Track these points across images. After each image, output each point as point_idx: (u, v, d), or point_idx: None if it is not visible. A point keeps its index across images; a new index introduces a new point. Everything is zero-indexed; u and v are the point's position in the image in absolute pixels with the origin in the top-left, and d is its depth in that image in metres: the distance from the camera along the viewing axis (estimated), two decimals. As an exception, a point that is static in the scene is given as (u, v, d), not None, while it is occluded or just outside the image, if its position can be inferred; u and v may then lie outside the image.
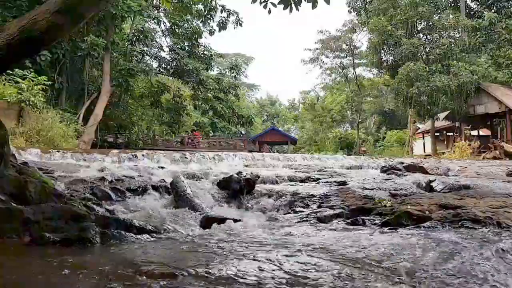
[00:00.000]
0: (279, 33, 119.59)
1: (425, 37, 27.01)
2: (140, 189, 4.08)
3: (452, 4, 29.10)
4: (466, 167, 8.23)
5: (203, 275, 1.62)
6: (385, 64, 28.71)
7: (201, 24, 24.99)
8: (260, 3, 5.36)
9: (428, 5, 25.73)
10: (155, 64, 28.52)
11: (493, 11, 26.55)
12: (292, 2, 5.01)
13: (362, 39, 43.71)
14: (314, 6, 4.92)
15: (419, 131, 32.15)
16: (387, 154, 30.44)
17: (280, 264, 1.81)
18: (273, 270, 1.72)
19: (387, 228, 2.80)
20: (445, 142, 29.45)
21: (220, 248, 2.17)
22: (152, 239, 2.41)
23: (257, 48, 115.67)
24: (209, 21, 22.63)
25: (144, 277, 1.58)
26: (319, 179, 5.45)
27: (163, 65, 28.08)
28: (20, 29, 2.61)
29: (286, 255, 1.97)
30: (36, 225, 2.31)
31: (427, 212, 3.07)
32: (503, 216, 2.78)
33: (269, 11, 5.39)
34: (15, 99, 12.69)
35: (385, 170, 6.88)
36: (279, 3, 5.13)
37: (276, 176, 5.40)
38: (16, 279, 1.60)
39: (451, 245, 2.13)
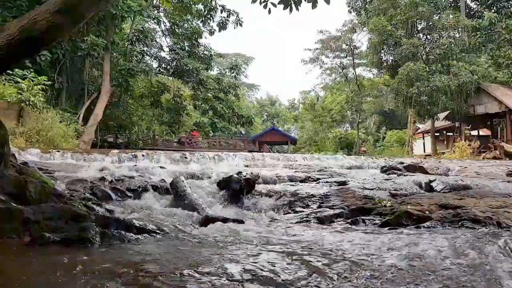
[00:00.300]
0: (279, 33, 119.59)
1: (425, 37, 27.01)
2: (140, 189, 4.08)
3: (452, 4, 29.10)
4: (466, 167, 8.23)
5: (203, 275, 1.62)
6: (385, 64, 28.71)
7: (201, 24, 25.00)
8: (260, 3, 5.36)
9: (428, 5, 25.73)
10: (155, 64, 28.54)
11: (493, 11, 26.55)
12: (292, 2, 5.01)
13: (362, 39, 43.72)
14: (314, 6, 4.92)
15: (419, 131, 32.14)
16: (387, 154, 30.44)
17: (280, 264, 1.81)
18: (274, 270, 1.72)
19: (387, 228, 2.80)
20: (445, 142, 29.44)
21: (220, 248, 2.17)
22: (152, 239, 2.41)
23: (257, 48, 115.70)
24: (209, 21, 22.63)
25: (144, 277, 1.58)
26: (319, 179, 5.45)
27: (163, 65, 28.09)
28: (20, 29, 2.61)
29: (286, 255, 1.97)
30: (36, 225, 2.31)
31: (427, 212, 3.07)
32: (503, 216, 2.78)
33: (269, 11, 5.39)
34: (15, 99, 12.69)
35: (385, 170, 6.88)
36: (279, 3, 5.13)
37: (276, 176, 5.40)
38: (16, 279, 1.60)
39: (451, 245, 2.12)
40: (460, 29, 25.19)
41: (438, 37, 25.99)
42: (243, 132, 45.90)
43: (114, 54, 22.88)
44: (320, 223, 3.16)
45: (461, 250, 2.02)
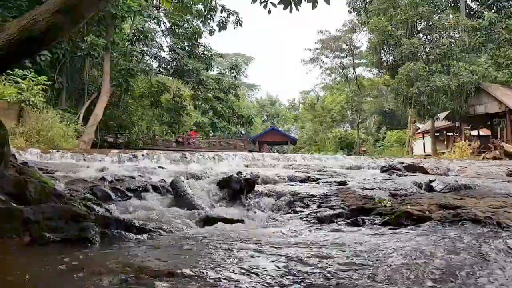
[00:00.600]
0: (279, 33, 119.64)
1: (425, 37, 27.02)
2: (140, 189, 4.08)
3: (452, 4, 29.11)
4: (466, 167, 8.23)
5: (203, 275, 1.62)
6: (385, 64, 28.72)
7: (201, 24, 25.02)
8: (260, 3, 5.36)
9: (428, 5, 25.73)
10: (155, 64, 28.56)
11: (493, 11, 26.55)
12: (292, 2, 5.01)
13: (362, 39, 43.79)
14: (314, 6, 4.92)
15: (419, 131, 32.15)
16: (387, 154, 30.44)
17: (279, 264, 1.81)
18: (273, 271, 1.72)
19: (387, 228, 2.80)
20: (445, 142, 29.45)
21: (220, 248, 2.17)
22: (152, 239, 2.41)
23: (257, 48, 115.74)
24: (209, 21, 22.64)
25: (144, 277, 1.58)
26: (319, 179, 5.45)
27: (163, 65, 28.10)
28: (20, 29, 2.61)
29: (286, 255, 1.97)
30: (36, 225, 2.31)
31: (427, 212, 3.07)
32: (503, 216, 2.78)
33: (269, 11, 5.39)
34: (15, 99, 12.69)
35: (385, 170, 6.88)
36: (279, 3, 5.13)
37: (276, 176, 5.40)
38: (16, 279, 1.60)
39: (450, 245, 2.13)
40: (460, 29, 25.19)
41: (438, 37, 26.00)
42: (243, 132, 45.90)
43: (114, 54, 22.89)
44: (320, 223, 3.16)
45: (460, 250, 2.02)
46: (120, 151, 8.94)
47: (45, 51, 15.89)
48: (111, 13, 18.82)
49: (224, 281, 1.57)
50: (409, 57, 24.60)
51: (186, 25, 26.65)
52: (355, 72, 42.03)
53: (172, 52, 27.10)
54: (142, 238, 2.40)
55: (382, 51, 27.72)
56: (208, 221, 2.95)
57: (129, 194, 3.92)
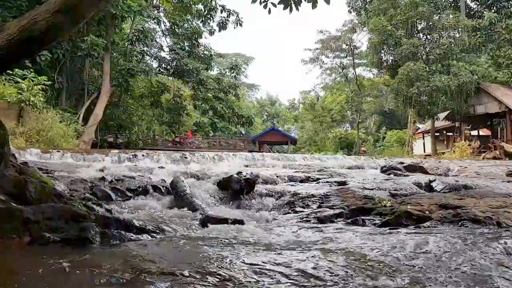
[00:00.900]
0: (279, 33, 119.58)
1: (425, 37, 27.01)
2: (140, 189, 4.08)
3: (452, 4, 29.10)
4: (466, 167, 8.22)
5: (203, 276, 1.62)
6: (385, 64, 28.71)
7: (201, 24, 24.99)
8: (260, 3, 5.36)
9: (428, 5, 25.72)
10: (155, 64, 28.54)
11: (493, 11, 26.55)
12: (292, 2, 5.01)
13: (362, 39, 43.79)
14: (314, 6, 4.92)
15: (419, 131, 32.14)
16: (387, 154, 30.44)
17: (279, 264, 1.81)
18: (273, 271, 1.72)
19: (387, 228, 2.80)
20: (445, 142, 29.44)
21: (220, 248, 2.17)
22: (152, 239, 2.41)
23: (257, 48, 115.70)
24: (209, 21, 22.61)
25: (144, 277, 1.58)
26: (319, 179, 5.45)
27: (163, 65, 28.09)
28: (20, 29, 2.61)
29: (286, 255, 1.97)
30: (36, 225, 2.31)
31: (427, 212, 3.07)
32: (503, 216, 2.78)
33: (269, 11, 5.39)
34: (15, 99, 12.69)
35: (385, 170, 6.88)
36: (279, 3, 5.13)
37: (276, 176, 5.40)
38: (16, 279, 1.60)
39: (450, 245, 2.13)
40: (460, 29, 25.18)
41: (438, 37, 25.99)
42: (243, 132, 45.89)
43: (114, 54, 22.88)
44: (320, 223, 3.16)
45: (460, 250, 2.02)
46: (120, 151, 8.95)
47: (45, 51, 15.88)
48: (111, 13, 18.81)
49: (224, 281, 1.57)
50: (409, 57, 24.60)
51: (186, 25, 26.63)
52: (355, 72, 42.03)
53: (172, 52, 27.09)
54: (142, 238, 2.40)
55: (382, 51, 27.71)
56: (208, 221, 2.95)
57: (129, 194, 3.92)
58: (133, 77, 23.68)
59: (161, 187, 4.19)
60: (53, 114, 14.21)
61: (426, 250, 2.04)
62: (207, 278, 1.59)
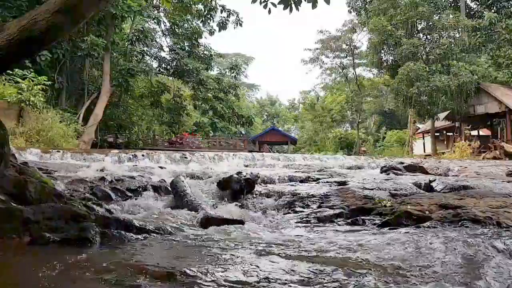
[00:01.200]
0: (279, 33, 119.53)
1: (425, 37, 27.01)
2: (140, 189, 4.08)
3: (452, 4, 29.10)
4: (466, 167, 8.22)
5: (203, 276, 1.62)
6: (385, 64, 28.71)
7: (201, 24, 25.01)
8: (260, 3, 5.36)
9: (428, 5, 25.72)
10: (155, 64, 28.55)
11: (493, 11, 26.54)
12: (292, 2, 5.01)
13: (362, 39, 43.74)
14: (314, 6, 4.92)
15: (419, 131, 32.15)
16: (387, 154, 30.45)
17: (279, 264, 1.81)
18: (273, 271, 1.72)
19: (387, 228, 2.80)
20: (445, 142, 29.44)
21: (220, 248, 2.17)
22: (152, 239, 2.41)
23: (257, 48, 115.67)
24: (209, 21, 22.62)
25: (144, 277, 1.58)
26: (319, 179, 5.45)
27: (163, 65, 28.10)
28: (20, 29, 2.61)
29: (285, 256, 1.97)
30: (36, 225, 2.31)
31: (427, 212, 3.07)
32: (503, 216, 2.78)
33: (269, 11, 5.39)
34: (15, 99, 12.70)
35: (385, 170, 6.88)
36: (279, 3, 5.13)
37: (276, 176, 5.40)
38: (16, 279, 1.60)
39: (450, 245, 2.12)
40: (460, 29, 25.18)
41: (438, 37, 25.99)
42: (243, 132, 45.88)
43: (114, 54, 22.88)
44: (320, 223, 3.16)
45: (460, 249, 2.02)
46: (120, 151, 8.95)
47: (45, 51, 15.88)
48: (111, 13, 18.81)
49: (224, 281, 1.57)
50: (409, 57, 24.60)
51: (186, 25, 26.64)
52: (355, 72, 42.03)
53: (172, 52, 27.10)
54: (142, 238, 2.40)
55: (382, 51, 27.71)
56: (208, 221, 2.95)
57: (129, 194, 3.92)
58: (133, 77, 23.69)
59: (161, 187, 4.19)
60: (53, 114, 14.21)
61: (426, 250, 2.04)
62: (207, 278, 1.59)
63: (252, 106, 56.87)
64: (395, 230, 2.68)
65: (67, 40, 17.68)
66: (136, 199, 3.86)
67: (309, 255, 2.00)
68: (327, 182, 5.17)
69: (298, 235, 2.64)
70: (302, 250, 2.10)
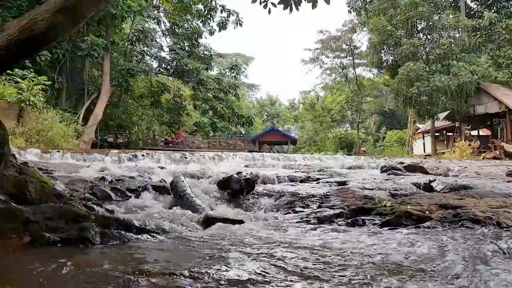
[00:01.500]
0: (279, 33, 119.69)
1: (425, 37, 27.01)
2: (140, 189, 4.08)
3: (452, 4, 29.09)
4: (466, 167, 8.22)
5: (203, 276, 1.62)
6: (385, 64, 28.71)
7: (201, 24, 25.02)
8: (260, 3, 5.37)
9: (428, 5, 25.73)
10: (155, 64, 28.56)
11: (493, 11, 26.54)
12: (292, 2, 5.01)
13: (362, 39, 43.81)
14: (314, 6, 4.93)
15: (419, 131, 32.15)
16: (387, 154, 30.45)
17: (279, 264, 1.81)
18: (273, 271, 1.72)
19: (387, 228, 2.80)
20: (445, 142, 29.44)
21: (220, 248, 2.17)
22: (152, 239, 2.41)
23: (257, 48, 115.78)
24: (209, 21, 22.63)
25: (144, 277, 1.58)
26: (319, 179, 5.45)
27: (163, 65, 28.11)
28: (20, 29, 2.61)
29: (285, 256, 1.97)
30: (36, 225, 2.31)
31: (427, 212, 3.07)
32: (503, 216, 2.78)
33: (269, 11, 5.40)
34: (15, 99, 12.70)
35: (385, 170, 6.88)
36: (279, 3, 5.13)
37: (276, 176, 5.40)
38: (16, 279, 1.60)
39: (450, 245, 2.13)
40: (460, 29, 25.18)
41: (438, 37, 25.99)
42: (243, 132, 45.87)
43: (114, 54, 22.89)
44: (320, 223, 3.16)
45: (460, 250, 2.02)
46: (120, 151, 8.95)
47: (45, 51, 15.88)
48: (111, 13, 18.81)
49: (225, 282, 1.57)
50: (409, 57, 24.60)
51: (186, 25, 26.65)
52: (355, 72, 42.04)
53: (172, 52, 27.11)
54: (142, 238, 2.39)
55: (382, 51, 27.71)
56: (208, 221, 2.95)
57: (129, 194, 3.92)
58: (133, 77, 23.69)
59: (161, 187, 4.19)
60: (53, 114, 14.21)
61: (426, 250, 2.04)
62: (207, 279, 1.59)
63: (252, 106, 56.87)
64: (395, 230, 2.68)
65: (67, 40, 17.68)
66: (136, 199, 3.86)
67: (309, 254, 2.00)
68: (327, 182, 5.17)
69: (298, 235, 2.64)
70: (302, 250, 2.10)
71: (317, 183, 5.19)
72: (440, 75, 23.48)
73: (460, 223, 2.77)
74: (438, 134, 29.75)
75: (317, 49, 41.77)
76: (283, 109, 63.60)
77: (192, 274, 1.62)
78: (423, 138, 30.85)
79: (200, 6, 21.45)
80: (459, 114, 24.34)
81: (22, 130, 12.49)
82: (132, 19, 22.19)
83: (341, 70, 43.60)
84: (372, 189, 4.31)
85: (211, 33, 24.99)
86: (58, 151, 7.86)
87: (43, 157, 7.22)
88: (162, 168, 6.15)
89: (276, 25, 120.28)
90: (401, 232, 2.59)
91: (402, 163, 8.11)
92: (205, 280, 1.57)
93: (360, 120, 43.62)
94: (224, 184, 4.24)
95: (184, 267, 1.70)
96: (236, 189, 4.07)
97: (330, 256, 1.97)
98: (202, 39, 27.54)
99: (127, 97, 25.47)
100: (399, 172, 6.55)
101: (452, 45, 24.72)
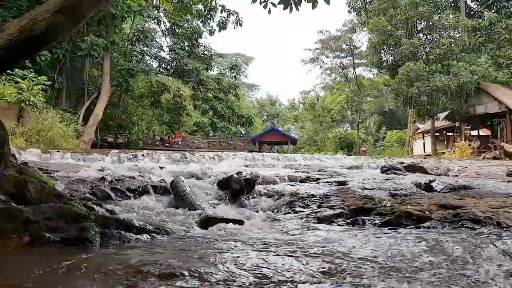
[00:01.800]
0: (279, 33, 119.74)
1: (425, 37, 27.02)
2: (140, 189, 4.08)
3: (452, 4, 29.10)
4: (466, 167, 8.23)
5: (203, 276, 1.62)
6: (385, 64, 28.72)
7: (201, 24, 25.02)
8: (260, 3, 5.37)
9: (428, 5, 25.73)
10: (155, 64, 28.56)
11: (493, 11, 26.54)
12: (292, 2, 5.01)
13: (362, 39, 43.83)
14: (314, 6, 4.93)
15: (419, 131, 32.15)
16: (387, 154, 30.45)
17: (279, 264, 1.81)
18: (273, 270, 1.72)
19: (387, 228, 2.80)
20: (445, 142, 29.45)
21: (220, 248, 2.17)
22: (152, 239, 2.41)
23: (257, 48, 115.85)
24: (209, 21, 22.63)
25: (144, 277, 1.58)
26: (319, 179, 5.45)
27: (163, 65, 28.10)
28: (20, 29, 2.61)
29: (285, 255, 1.97)
30: (36, 225, 2.31)
31: (427, 212, 3.07)
32: (503, 216, 2.78)
33: (269, 11, 5.40)
34: (15, 99, 12.70)
35: (385, 170, 6.88)
36: (279, 3, 5.14)
37: (276, 176, 5.40)
38: (15, 279, 1.59)
39: (450, 245, 2.13)
40: (460, 29, 25.19)
41: (438, 37, 26.00)
42: (243, 132, 45.88)
43: (114, 54, 22.88)
44: (320, 223, 3.16)
45: (459, 250, 2.02)
46: (120, 151, 8.95)
47: (45, 51, 15.87)
48: (111, 13, 18.80)
49: (224, 281, 1.57)
50: (409, 57, 24.60)
51: (186, 25, 26.65)
52: (355, 72, 42.05)
53: (172, 52, 27.10)
54: (142, 238, 2.39)
55: (382, 51, 27.72)
56: (208, 221, 2.95)
57: (129, 194, 3.92)
58: (133, 77, 23.69)
59: (161, 187, 4.18)
60: (53, 114, 14.21)
61: (426, 250, 2.04)
62: (207, 279, 1.59)
63: (252, 106, 56.88)
64: (395, 230, 2.68)
65: (67, 40, 17.68)
66: (136, 199, 3.86)
67: (309, 254, 2.00)
68: (327, 182, 5.17)
69: (298, 235, 2.64)
70: (302, 250, 2.10)
71: (317, 183, 5.19)
72: (440, 75, 23.49)
73: (460, 223, 2.77)
74: (438, 134, 29.75)
75: (317, 49, 41.79)
76: (283, 109, 63.62)
77: (192, 274, 1.62)
78: (423, 138, 30.86)
79: (200, 6, 21.44)
80: (459, 114, 24.35)
81: (22, 130, 12.49)
82: (132, 19, 22.18)
83: (341, 70, 43.61)
84: (372, 189, 4.31)
85: (211, 33, 24.99)
86: (58, 151, 7.86)
87: (43, 157, 7.22)
88: (162, 168, 6.15)
89: (276, 25, 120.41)
90: (401, 232, 2.59)
91: (402, 163, 8.12)
92: (205, 280, 1.57)
93: (360, 120, 43.63)
94: (224, 184, 4.24)
95: (184, 267, 1.70)
96: (236, 189, 4.06)
97: (330, 256, 1.97)
98: (202, 39, 27.57)
99: (127, 97, 25.46)
100: (399, 172, 6.56)
101: (452, 45, 24.72)
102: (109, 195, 3.75)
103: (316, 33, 41.50)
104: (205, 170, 5.98)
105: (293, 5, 5.04)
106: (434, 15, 26.27)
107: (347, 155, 21.80)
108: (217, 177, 4.81)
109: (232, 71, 30.53)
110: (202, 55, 27.48)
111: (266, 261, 1.86)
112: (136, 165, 6.70)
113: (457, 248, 2.05)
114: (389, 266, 1.80)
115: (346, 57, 41.86)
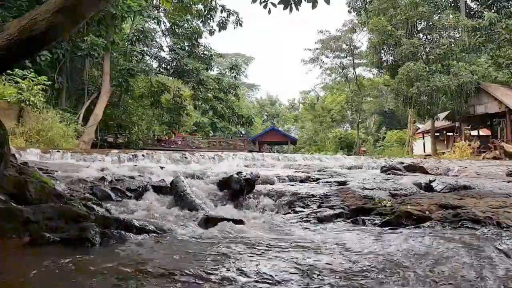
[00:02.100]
0: (279, 33, 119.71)
1: (425, 37, 27.01)
2: (140, 189, 4.08)
3: (452, 4, 29.09)
4: (466, 167, 8.22)
5: (202, 275, 1.62)
6: (385, 64, 28.70)
7: (201, 24, 25.02)
8: (260, 3, 5.37)
9: (428, 5, 25.72)
10: (155, 64, 28.56)
11: (493, 11, 26.53)
12: (292, 2, 5.01)
13: (362, 39, 43.82)
14: (314, 6, 4.93)
15: (419, 131, 32.14)
16: (387, 154, 30.45)
17: (279, 264, 1.81)
18: (273, 270, 1.72)
19: (387, 228, 2.80)
20: (445, 142, 29.44)
21: (220, 248, 2.17)
22: (152, 239, 2.41)
23: (257, 48, 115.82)
24: (209, 21, 22.62)
25: (144, 277, 1.58)
26: (319, 179, 5.45)
27: (163, 65, 28.10)
28: (20, 29, 2.61)
29: (285, 255, 1.97)
30: (36, 225, 2.31)
31: (427, 212, 3.07)
32: (503, 216, 2.78)
33: (269, 11, 5.40)
34: (15, 99, 12.70)
35: (385, 170, 6.87)
36: (279, 3, 5.13)
37: (276, 176, 5.40)
38: (15, 279, 1.60)
39: (450, 245, 2.12)
40: (460, 29, 25.18)
41: (438, 37, 25.99)
42: (243, 132, 45.87)
43: (114, 54, 22.88)
44: (320, 223, 3.16)
45: (459, 250, 2.02)
46: (120, 151, 8.95)
47: (45, 51, 15.87)
48: (111, 13, 18.80)
49: (225, 282, 1.57)
50: (409, 57, 24.60)
51: (186, 25, 26.65)
52: (355, 72, 42.04)
53: (172, 52, 27.11)
54: (142, 238, 2.40)
55: (382, 51, 27.71)
56: (208, 221, 2.95)
57: (129, 194, 3.92)
58: (133, 77, 23.69)
59: (161, 187, 4.18)
60: (53, 114, 14.21)
61: (426, 250, 2.04)
62: (207, 279, 1.59)
63: (252, 106, 56.87)
64: (395, 230, 2.68)
65: (67, 40, 17.67)
66: (136, 199, 3.86)
67: (308, 254, 2.00)
68: (327, 182, 5.17)
69: (298, 235, 2.64)
70: (302, 250, 2.10)
71: (317, 183, 5.19)
72: (440, 75, 23.48)
73: (460, 223, 2.77)
74: (438, 134, 29.75)
75: (317, 49, 41.77)
76: (283, 109, 63.60)
77: (192, 274, 1.62)
78: (423, 138, 30.85)
79: (200, 6, 21.44)
80: (459, 114, 24.34)
81: (22, 130, 12.49)
82: (132, 19, 22.18)
83: (341, 70, 43.59)
84: (372, 189, 4.31)
85: (211, 33, 24.99)
86: (58, 151, 7.86)
87: (43, 157, 7.22)
88: (162, 168, 6.15)
89: (276, 25, 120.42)
90: (401, 232, 2.59)
91: (402, 163, 8.11)
92: (205, 280, 1.57)
93: (360, 120, 43.62)
94: (224, 184, 4.24)
95: (183, 267, 1.70)
96: (236, 189, 4.06)
97: (330, 256, 1.97)
98: (202, 39, 27.57)
99: (127, 97, 25.47)
100: (399, 172, 6.55)
101: (452, 45, 24.72)
102: (109, 195, 3.75)
103: (316, 33, 41.55)
104: (205, 170, 5.98)
105: (293, 5, 5.03)
106: (434, 15, 26.26)
107: (347, 155, 21.81)
108: (217, 177, 4.81)
109: (232, 71, 30.54)
110: (202, 55, 27.49)
111: (266, 261, 1.86)
112: (136, 165, 6.70)
113: (457, 248, 2.05)
114: (388, 266, 1.80)
115: (346, 57, 41.85)
